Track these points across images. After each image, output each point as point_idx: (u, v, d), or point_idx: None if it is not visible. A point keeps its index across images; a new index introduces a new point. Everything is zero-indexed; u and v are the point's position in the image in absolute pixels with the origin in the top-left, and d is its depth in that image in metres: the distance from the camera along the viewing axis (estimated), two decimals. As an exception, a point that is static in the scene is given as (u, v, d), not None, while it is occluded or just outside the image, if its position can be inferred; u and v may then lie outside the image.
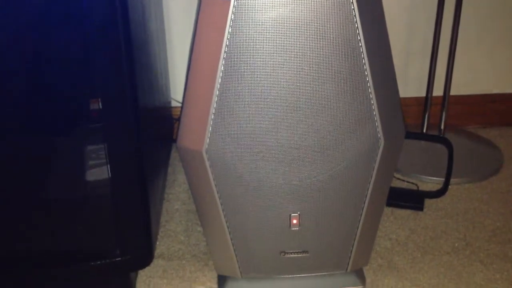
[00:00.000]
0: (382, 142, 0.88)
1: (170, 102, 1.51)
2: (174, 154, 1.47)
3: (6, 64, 0.85)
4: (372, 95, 0.86)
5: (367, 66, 0.84)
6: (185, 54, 1.47)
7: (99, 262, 0.95)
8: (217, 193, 0.92)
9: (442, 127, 1.48)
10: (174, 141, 1.50)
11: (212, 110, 0.85)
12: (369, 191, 0.93)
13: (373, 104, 0.86)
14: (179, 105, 1.54)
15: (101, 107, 0.88)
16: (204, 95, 0.86)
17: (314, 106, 0.85)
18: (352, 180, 0.91)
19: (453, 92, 1.47)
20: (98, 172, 0.93)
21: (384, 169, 0.92)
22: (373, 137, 0.88)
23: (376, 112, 0.87)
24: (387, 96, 0.89)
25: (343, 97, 0.85)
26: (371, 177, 0.92)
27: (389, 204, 1.25)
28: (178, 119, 1.54)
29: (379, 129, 0.88)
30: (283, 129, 0.86)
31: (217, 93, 0.84)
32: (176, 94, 1.52)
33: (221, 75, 0.83)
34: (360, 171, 0.91)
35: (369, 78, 0.84)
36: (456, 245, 1.13)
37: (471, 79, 1.57)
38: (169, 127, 1.49)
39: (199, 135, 0.88)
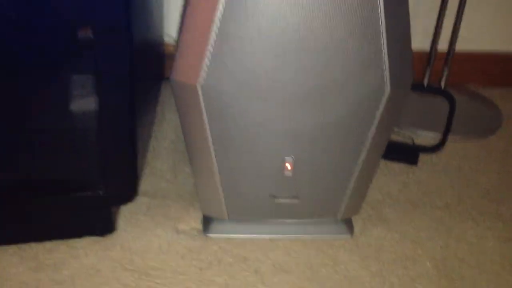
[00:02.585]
0: (388, 89, 0.83)
1: (162, 37, 1.44)
2: (163, 92, 1.42)
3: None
4: (383, 39, 0.80)
5: (381, 6, 0.78)
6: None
7: (82, 194, 0.92)
8: (210, 131, 0.87)
9: (443, 82, 1.44)
10: (165, 78, 1.46)
11: (211, 42, 0.79)
12: (368, 141, 0.89)
13: (383, 48, 0.81)
14: (172, 41, 1.48)
15: (92, 35, 0.82)
16: (202, 26, 0.80)
17: (321, 45, 0.79)
18: (353, 128, 0.87)
19: (457, 48, 1.42)
20: (86, 103, 0.89)
21: (387, 119, 0.88)
22: (379, 83, 0.83)
23: (385, 57, 0.81)
24: (399, 42, 0.83)
25: (353, 38, 0.79)
26: (372, 126, 0.87)
27: (383, 157, 1.20)
28: (170, 55, 1.48)
29: (387, 75, 0.83)
30: (285, 69, 0.81)
31: (218, 24, 0.78)
32: (170, 29, 1.46)
33: (223, 2, 0.77)
34: (362, 119, 0.87)
35: (382, 20, 0.79)
36: (449, 201, 1.10)
37: (477, 35, 1.52)
38: (161, 64, 1.43)
39: (195, 68, 0.82)
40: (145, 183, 1.11)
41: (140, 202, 1.05)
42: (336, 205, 0.97)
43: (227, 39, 0.79)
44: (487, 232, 1.03)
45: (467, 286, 0.92)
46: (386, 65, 0.82)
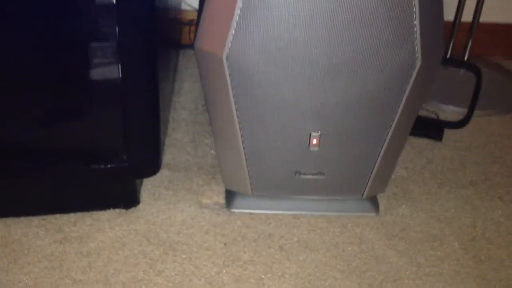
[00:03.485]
0: (419, 61, 0.81)
1: (180, 4, 1.40)
2: (181, 61, 1.39)
3: None
4: (416, 9, 0.77)
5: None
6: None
7: (106, 166, 0.90)
8: (235, 104, 0.85)
9: (467, 55, 1.41)
10: (183, 46, 1.42)
11: (237, 11, 0.77)
12: (397, 117, 0.87)
13: (415, 19, 0.78)
14: (189, 8, 1.44)
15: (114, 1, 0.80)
16: (228, -5, 0.77)
17: (351, 17, 0.76)
18: (381, 103, 0.85)
19: (482, 19, 1.38)
20: (108, 71, 0.86)
21: (417, 92, 0.85)
22: (410, 55, 0.80)
23: (417, 27, 0.78)
24: (430, 14, 0.81)
25: (384, 7, 0.76)
26: (402, 101, 0.85)
27: (406, 131, 1.19)
28: (188, 24, 1.45)
29: (418, 47, 0.80)
30: (314, 42, 0.78)
31: (244, -8, 0.75)
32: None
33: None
34: (391, 93, 0.84)
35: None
36: (475, 179, 1.09)
37: (502, 5, 1.47)
38: (178, 31, 1.40)
39: (220, 38, 0.80)
40: (166, 156, 1.09)
41: (162, 175, 1.04)
42: (362, 183, 0.96)
43: (254, 8, 0.76)
44: (514, 211, 1.02)
45: (495, 267, 0.91)
46: (418, 37, 0.79)
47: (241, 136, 0.89)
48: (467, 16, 1.38)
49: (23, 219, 0.94)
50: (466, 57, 1.41)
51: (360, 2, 0.75)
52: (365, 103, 0.85)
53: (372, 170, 0.93)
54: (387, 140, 0.90)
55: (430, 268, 0.90)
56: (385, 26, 0.77)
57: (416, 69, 0.82)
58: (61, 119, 0.90)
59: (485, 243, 0.95)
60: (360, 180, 0.95)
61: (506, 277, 0.89)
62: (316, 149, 0.90)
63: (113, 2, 0.80)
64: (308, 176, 0.94)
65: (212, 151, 1.11)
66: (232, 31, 0.78)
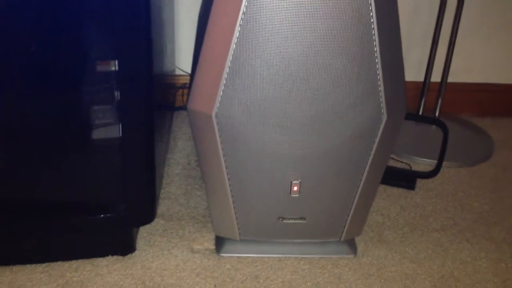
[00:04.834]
0: (384, 117, 0.92)
1: (175, 70, 1.53)
2: (175, 121, 1.50)
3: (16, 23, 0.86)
4: (379, 71, 0.89)
5: (376, 42, 0.86)
6: (191, 20, 1.48)
7: (105, 215, 0.99)
8: (223, 156, 0.95)
9: (437, 112, 1.53)
10: (176, 108, 1.54)
11: (225, 75, 0.88)
12: (368, 164, 0.97)
13: (379, 79, 0.89)
14: (183, 73, 1.56)
15: (117, 68, 0.90)
16: (217, 61, 0.88)
17: (323, 79, 0.87)
18: (353, 152, 0.95)
19: (450, 79, 1.51)
20: (109, 131, 0.96)
21: (384, 143, 0.96)
22: (376, 111, 0.91)
23: (381, 87, 0.90)
24: (393, 73, 0.92)
25: (351, 71, 0.87)
26: (372, 150, 0.95)
27: (383, 182, 1.28)
28: (181, 87, 1.57)
29: (383, 104, 0.91)
30: (292, 99, 0.89)
31: (231, 58, 0.86)
32: (180, 62, 1.55)
33: (235, 41, 0.85)
34: (362, 144, 0.94)
35: (377, 54, 0.87)
36: (445, 223, 1.18)
37: (468, 67, 1.61)
38: (173, 95, 1.52)
39: (210, 99, 0.90)
40: (161, 207, 1.18)
41: (156, 224, 1.13)
42: (340, 226, 1.05)
43: (239, 73, 0.87)
44: (480, 253, 1.11)
45: (463, 302, 0.99)
46: (382, 95, 0.90)
47: (229, 185, 0.98)
48: (436, 76, 1.52)
49: (28, 266, 1.01)
50: (437, 114, 1.53)
51: (331, 66, 0.87)
52: (339, 153, 0.95)
53: (349, 214, 1.03)
54: (361, 186, 0.99)
55: (403, 303, 0.98)
56: (354, 86, 0.88)
57: (382, 124, 0.93)
58: (66, 174, 0.99)
59: (453, 281, 1.03)
60: (338, 224, 1.04)
61: (473, 311, 0.97)
62: (297, 195, 0.99)
63: (114, 69, 0.91)
64: (291, 221, 1.03)
65: (204, 202, 1.20)
66: (220, 92, 0.89)
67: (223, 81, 0.88)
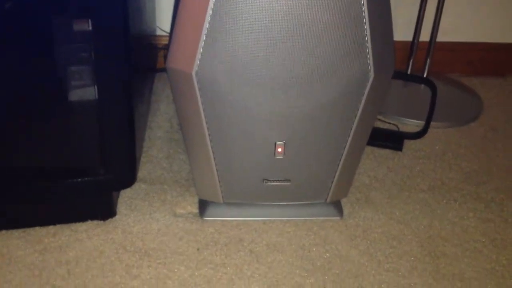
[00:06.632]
0: (372, 74, 0.89)
1: (155, 30, 1.48)
2: (156, 84, 1.46)
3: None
4: (367, 27, 0.85)
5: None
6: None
7: (83, 179, 0.96)
8: (205, 117, 0.92)
9: (426, 72, 1.50)
10: (158, 70, 1.50)
11: (204, 31, 0.84)
12: (355, 125, 0.94)
13: (366, 35, 0.86)
14: (164, 34, 1.51)
15: (90, 28, 0.86)
16: (196, 16, 0.84)
17: (308, 35, 0.84)
18: (340, 112, 0.92)
19: (439, 38, 1.48)
20: (85, 92, 0.93)
21: (371, 103, 0.93)
22: (363, 69, 0.88)
23: (368, 44, 0.86)
24: (380, 30, 0.88)
25: (337, 27, 0.84)
26: (358, 110, 0.92)
27: (370, 143, 1.27)
28: (163, 48, 1.52)
29: (370, 61, 0.88)
30: (275, 57, 0.85)
31: (210, 13, 0.82)
32: (162, 22, 1.49)
33: (215, -3, 0.81)
34: (348, 103, 0.91)
35: (365, 8, 0.84)
36: (432, 184, 1.16)
37: (457, 26, 1.57)
38: (154, 56, 1.47)
39: (189, 57, 0.87)
40: (142, 171, 1.15)
41: (138, 188, 1.10)
42: (326, 188, 1.02)
43: (220, 29, 0.83)
44: (468, 213, 1.09)
45: (450, 262, 0.98)
46: (370, 52, 0.86)
47: (211, 147, 0.95)
48: (425, 36, 1.48)
49: (3, 232, 0.98)
50: (425, 74, 1.50)
51: (315, 22, 0.83)
52: (324, 113, 0.92)
53: (334, 176, 1.00)
54: (347, 147, 0.97)
55: (389, 264, 0.96)
56: (338, 44, 0.85)
57: (369, 82, 0.89)
58: (43, 137, 0.96)
59: (440, 241, 1.02)
60: (323, 186, 1.02)
61: (459, 272, 0.96)
62: (282, 157, 0.96)
63: (89, 29, 0.87)
64: (275, 183, 1.00)
65: (187, 166, 1.17)
66: (200, 50, 0.85)
67: (203, 37, 0.84)
